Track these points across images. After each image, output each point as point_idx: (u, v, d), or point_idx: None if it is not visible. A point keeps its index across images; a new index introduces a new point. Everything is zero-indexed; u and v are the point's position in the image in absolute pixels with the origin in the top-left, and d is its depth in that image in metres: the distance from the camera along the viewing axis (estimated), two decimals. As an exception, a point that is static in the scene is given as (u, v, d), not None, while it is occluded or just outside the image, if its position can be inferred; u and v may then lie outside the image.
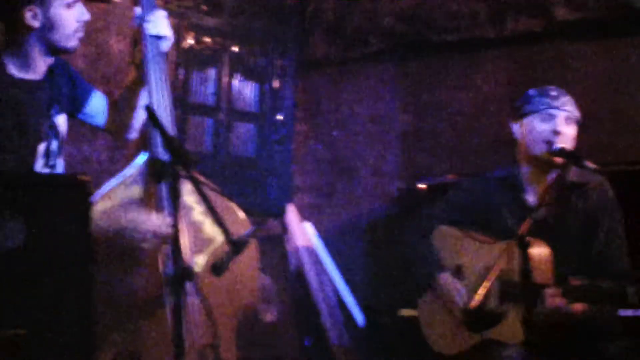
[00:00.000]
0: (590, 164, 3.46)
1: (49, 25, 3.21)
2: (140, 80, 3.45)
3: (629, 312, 3.33)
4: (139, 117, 3.52)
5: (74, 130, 3.50)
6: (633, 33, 4.79)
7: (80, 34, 3.30)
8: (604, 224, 3.48)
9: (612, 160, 4.33)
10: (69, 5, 3.23)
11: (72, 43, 3.29)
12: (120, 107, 3.53)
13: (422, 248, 3.70)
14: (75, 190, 2.78)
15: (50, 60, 3.29)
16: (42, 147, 3.26)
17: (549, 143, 3.48)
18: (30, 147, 3.23)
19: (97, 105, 3.50)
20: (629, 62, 4.82)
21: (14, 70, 3.23)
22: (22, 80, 3.24)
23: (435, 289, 3.62)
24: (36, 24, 3.19)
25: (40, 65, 3.27)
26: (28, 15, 3.17)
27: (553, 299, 3.17)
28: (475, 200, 3.70)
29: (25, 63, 3.25)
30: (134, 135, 3.59)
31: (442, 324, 3.62)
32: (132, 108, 3.51)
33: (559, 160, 3.46)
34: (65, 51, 3.31)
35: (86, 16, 3.29)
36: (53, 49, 3.27)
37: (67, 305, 2.72)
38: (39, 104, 3.27)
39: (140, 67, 3.43)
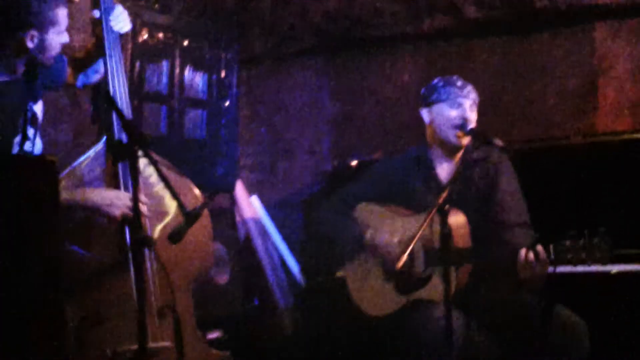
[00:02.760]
0: (498, 142, 3.47)
1: (41, 49, 3.10)
2: (97, 51, 3.38)
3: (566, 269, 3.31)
4: (89, 73, 3.45)
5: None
6: (532, 30, 4.83)
7: (57, 53, 3.20)
8: (502, 182, 3.51)
9: (512, 140, 4.37)
10: (60, 32, 3.13)
11: (50, 62, 3.19)
12: (79, 67, 3.45)
13: (343, 222, 3.63)
14: (43, 170, 2.71)
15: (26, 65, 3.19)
16: (16, 139, 3.15)
17: (459, 126, 3.48)
18: (7, 142, 3.11)
19: (63, 70, 3.41)
20: (528, 55, 4.86)
21: None
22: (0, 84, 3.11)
23: (364, 252, 3.58)
24: (32, 46, 3.07)
25: (19, 70, 3.15)
26: (27, 38, 3.05)
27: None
28: (391, 177, 3.67)
29: (5, 70, 3.12)
30: (81, 81, 3.49)
31: (372, 288, 3.56)
32: (87, 66, 3.44)
33: (466, 140, 3.47)
34: (42, 65, 3.20)
35: (66, 39, 3.19)
36: (33, 61, 3.15)
37: (38, 273, 2.65)
38: (15, 102, 3.13)
39: (100, 40, 3.35)
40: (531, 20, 4.77)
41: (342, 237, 3.64)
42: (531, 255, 3.13)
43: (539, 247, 3.13)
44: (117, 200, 3.17)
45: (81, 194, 3.14)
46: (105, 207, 3.16)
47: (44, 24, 3.07)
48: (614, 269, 3.56)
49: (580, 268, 3.06)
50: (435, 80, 3.60)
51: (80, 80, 3.47)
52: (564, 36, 4.76)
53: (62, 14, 3.13)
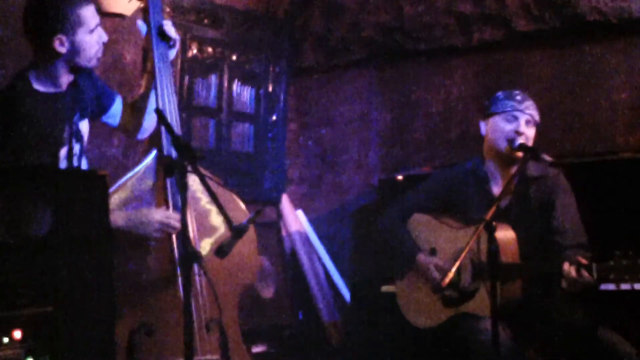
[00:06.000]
0: (547, 157, 3.47)
1: (75, 51, 3.17)
2: (151, 87, 3.45)
3: (610, 287, 3.31)
4: (149, 119, 3.51)
5: (91, 130, 3.49)
6: (583, 43, 4.80)
7: (100, 54, 3.27)
8: (559, 203, 3.50)
9: (563, 154, 4.35)
10: (91, 31, 3.20)
11: (93, 63, 3.26)
12: (136, 110, 3.51)
13: (400, 233, 3.69)
14: (95, 184, 2.79)
15: (71, 76, 3.27)
16: (63, 152, 3.23)
17: (511, 140, 3.49)
18: (52, 152, 3.19)
19: (117, 109, 3.48)
20: (578, 68, 4.83)
21: (37, 85, 3.19)
22: (45, 94, 3.19)
23: (414, 268, 3.63)
24: (63, 50, 3.15)
25: (63, 81, 3.24)
26: (56, 43, 3.14)
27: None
28: (445, 189, 3.71)
29: (50, 80, 3.21)
30: (144, 135, 3.58)
31: (419, 301, 3.61)
32: (143, 111, 3.50)
33: (519, 154, 3.47)
34: (86, 70, 3.29)
35: (105, 38, 3.26)
36: (76, 69, 3.25)
37: (89, 284, 2.73)
38: (60, 113, 3.22)
39: (152, 75, 3.43)
40: (582, 33, 4.75)
41: (398, 248, 3.68)
42: (573, 271, 3.14)
43: (584, 270, 3.13)
44: (148, 219, 3.22)
45: (114, 217, 3.13)
46: (136, 230, 3.21)
47: (71, 26, 3.14)
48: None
49: (625, 286, 3.06)
50: (498, 93, 3.62)
51: (141, 133, 3.54)
52: (615, 49, 4.71)
53: (87, 12, 3.18)
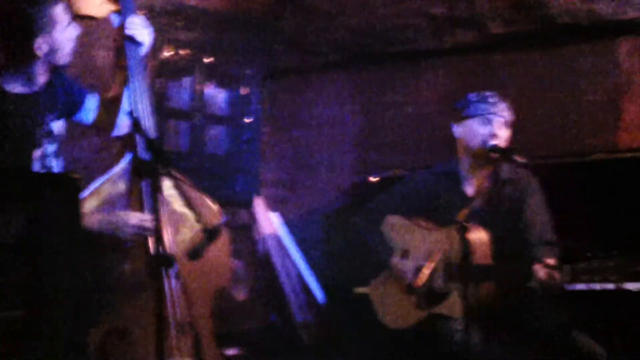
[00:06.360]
0: (519, 158, 3.50)
1: (54, 50, 3.17)
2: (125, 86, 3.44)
3: (582, 287, 3.35)
4: (123, 117, 3.49)
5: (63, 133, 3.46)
6: (555, 45, 4.85)
7: (74, 49, 3.27)
8: (529, 202, 3.54)
9: (535, 155, 4.38)
10: (65, 28, 3.20)
11: (68, 59, 3.26)
12: (110, 108, 3.49)
13: (374, 236, 3.71)
14: (67, 187, 2.78)
15: (47, 75, 3.26)
16: (37, 153, 3.22)
17: (485, 143, 3.52)
18: (26, 154, 3.18)
19: (90, 107, 3.46)
20: (550, 71, 4.87)
21: (10, 87, 3.17)
22: (17, 96, 3.17)
23: (389, 270, 3.64)
24: (44, 51, 3.14)
25: (40, 81, 3.22)
26: (37, 45, 3.13)
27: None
28: (420, 191, 3.73)
29: (25, 81, 3.19)
30: (118, 132, 3.55)
31: (393, 302, 3.63)
32: (118, 109, 3.48)
33: (493, 155, 3.50)
34: (62, 67, 3.28)
35: (77, 31, 3.26)
36: (52, 67, 3.24)
37: (61, 288, 2.71)
38: (33, 114, 3.21)
39: (125, 76, 3.41)
40: (553, 35, 4.79)
41: (371, 248, 3.69)
42: (544, 273, 3.17)
43: (554, 272, 3.17)
44: (124, 222, 3.22)
45: (90, 220, 3.16)
46: (112, 233, 3.20)
47: (48, 26, 3.13)
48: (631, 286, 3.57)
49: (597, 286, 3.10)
50: (470, 95, 3.64)
51: (116, 130, 3.52)
52: (586, 52, 4.76)
53: (59, 10, 3.18)
